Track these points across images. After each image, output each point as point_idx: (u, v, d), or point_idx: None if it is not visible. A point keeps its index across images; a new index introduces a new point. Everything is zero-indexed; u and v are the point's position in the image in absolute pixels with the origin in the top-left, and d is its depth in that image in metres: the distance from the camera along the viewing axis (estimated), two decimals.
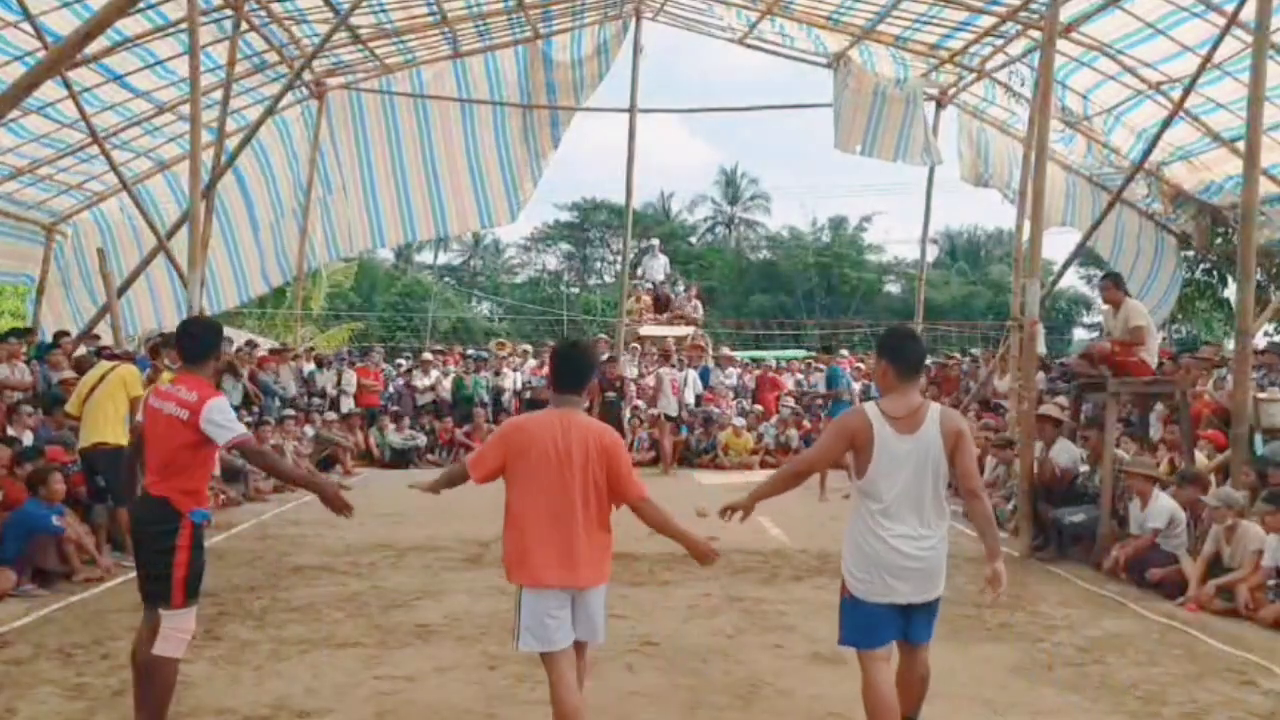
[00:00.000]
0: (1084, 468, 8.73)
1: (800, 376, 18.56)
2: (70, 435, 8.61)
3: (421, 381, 16.63)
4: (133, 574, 7.18)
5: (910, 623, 3.82)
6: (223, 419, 3.96)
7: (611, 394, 14.47)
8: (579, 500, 3.65)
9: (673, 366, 16.32)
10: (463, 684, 4.95)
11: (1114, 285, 8.92)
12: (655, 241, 23.57)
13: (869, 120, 16.74)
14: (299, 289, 19.29)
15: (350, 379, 15.88)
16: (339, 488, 4.66)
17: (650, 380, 16.30)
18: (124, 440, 7.61)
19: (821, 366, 18.09)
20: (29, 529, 6.76)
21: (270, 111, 12.97)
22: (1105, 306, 9.32)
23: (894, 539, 3.70)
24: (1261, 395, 8.96)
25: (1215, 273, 18.70)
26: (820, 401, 16.02)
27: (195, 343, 4.19)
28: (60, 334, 12.40)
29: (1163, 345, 11.15)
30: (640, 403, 16.32)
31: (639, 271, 20.93)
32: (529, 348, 18.73)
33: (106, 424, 7.79)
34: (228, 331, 17.98)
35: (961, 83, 16.62)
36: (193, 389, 4.00)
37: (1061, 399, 10.27)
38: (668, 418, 15.29)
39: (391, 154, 17.12)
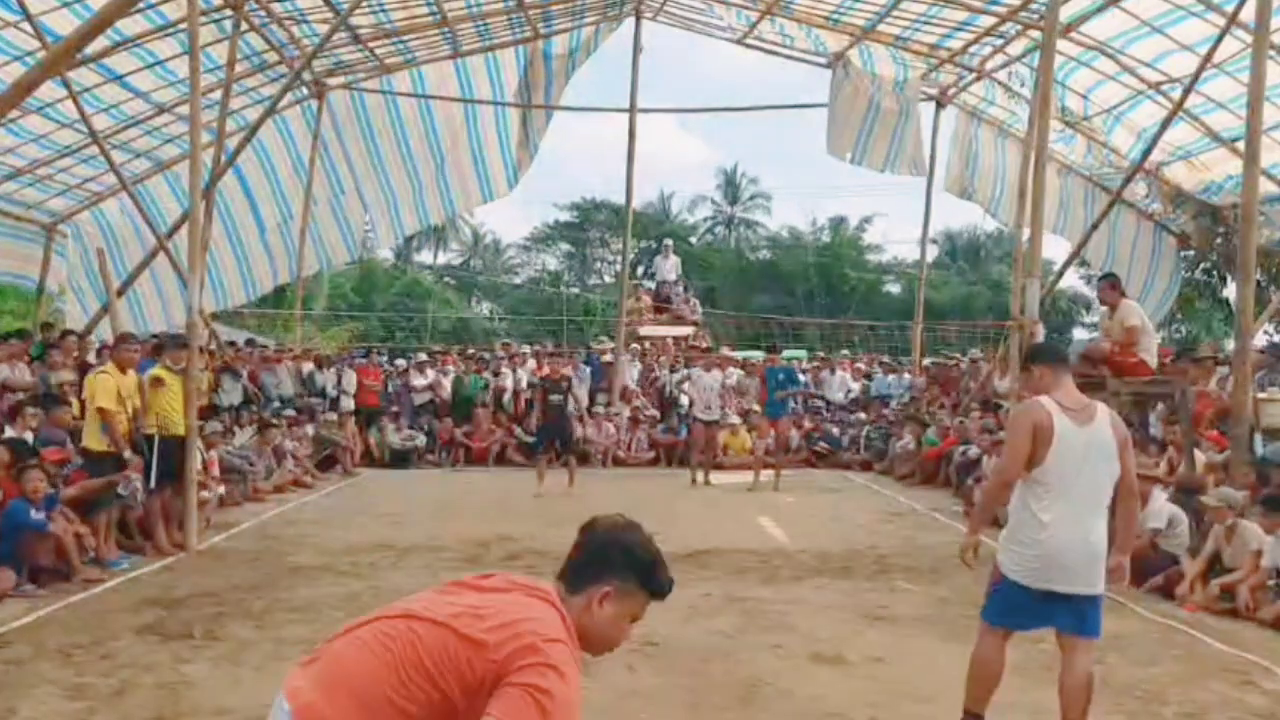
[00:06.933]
0: None
1: (804, 378, 18.50)
2: (65, 436, 8.67)
3: (418, 381, 16.61)
4: (131, 574, 7.28)
5: (1069, 614, 3.94)
6: None
7: (557, 396, 12.61)
8: None
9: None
10: None
11: (1110, 287, 8.92)
12: (668, 242, 23.71)
13: (861, 128, 16.81)
14: (300, 289, 19.30)
15: (350, 379, 15.87)
16: None
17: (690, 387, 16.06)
18: (98, 445, 7.89)
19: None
20: (15, 526, 6.75)
21: (270, 111, 12.98)
22: (1103, 308, 9.33)
23: (1065, 528, 3.85)
24: (1261, 395, 8.97)
25: (1215, 273, 18.70)
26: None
27: None
28: (66, 333, 12.41)
29: (1162, 345, 11.14)
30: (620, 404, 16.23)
31: (650, 271, 20.91)
32: (528, 348, 18.69)
33: (87, 428, 8.08)
34: (228, 331, 18.28)
35: (961, 83, 16.63)
36: None
37: None
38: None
39: (399, 144, 17.17)
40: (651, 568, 2.35)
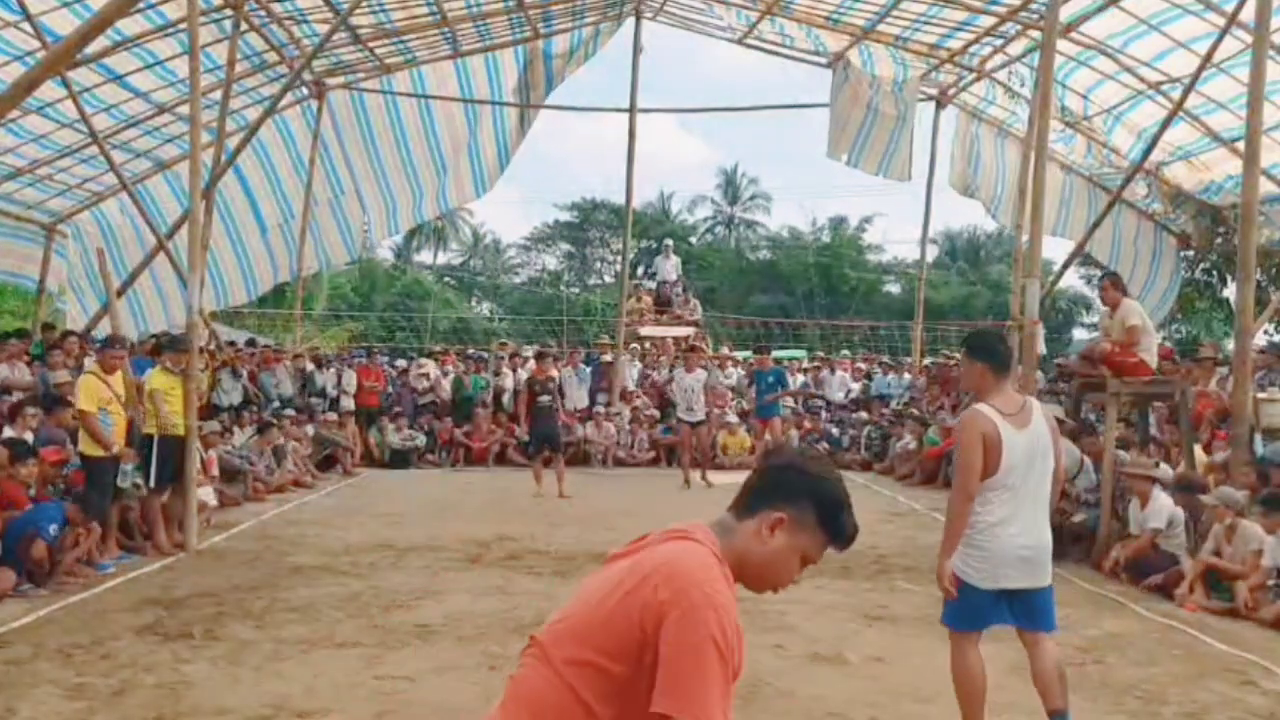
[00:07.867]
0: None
1: (804, 378, 18.51)
2: (65, 436, 8.67)
3: (420, 383, 16.61)
4: (131, 574, 7.28)
5: (1024, 609, 4.02)
6: None
7: (546, 397, 12.44)
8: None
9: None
10: (463, 684, 4.94)
11: (1112, 285, 8.91)
12: (669, 242, 23.90)
13: (859, 131, 16.85)
14: (300, 289, 19.33)
15: (350, 379, 15.89)
16: None
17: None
18: (94, 451, 7.82)
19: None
20: (28, 528, 6.73)
21: (270, 111, 13.00)
22: (1104, 307, 9.32)
23: (1012, 529, 3.92)
24: (1261, 395, 8.97)
25: (1215, 273, 18.70)
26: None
27: None
28: (67, 333, 12.43)
29: (1162, 344, 11.14)
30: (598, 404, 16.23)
31: (651, 271, 20.93)
32: (529, 350, 18.69)
33: (82, 433, 8.01)
34: (228, 332, 18.30)
35: (961, 83, 16.64)
36: None
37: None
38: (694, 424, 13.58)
39: (398, 144, 17.20)
40: (836, 506, 2.05)
